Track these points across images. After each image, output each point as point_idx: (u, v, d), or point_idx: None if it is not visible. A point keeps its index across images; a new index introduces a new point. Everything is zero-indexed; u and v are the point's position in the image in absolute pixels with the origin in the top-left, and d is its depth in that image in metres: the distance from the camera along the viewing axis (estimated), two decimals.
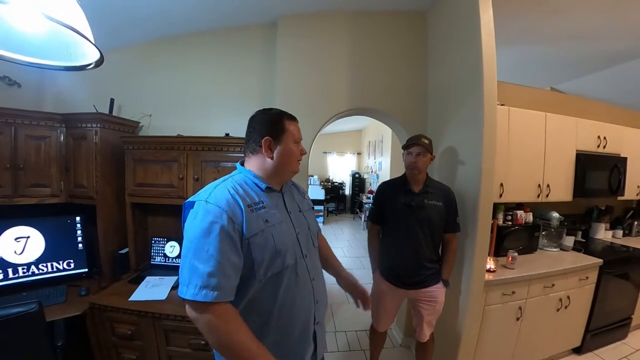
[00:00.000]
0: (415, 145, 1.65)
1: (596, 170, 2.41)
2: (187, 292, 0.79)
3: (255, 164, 1.01)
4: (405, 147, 1.72)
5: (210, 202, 0.86)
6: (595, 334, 2.31)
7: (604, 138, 2.43)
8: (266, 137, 0.97)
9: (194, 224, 0.84)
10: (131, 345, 1.69)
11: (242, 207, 0.88)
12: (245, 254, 0.87)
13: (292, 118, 1.04)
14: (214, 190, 0.90)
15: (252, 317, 0.91)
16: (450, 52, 1.99)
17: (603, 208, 2.87)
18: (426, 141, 1.66)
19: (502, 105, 2.03)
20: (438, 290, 1.71)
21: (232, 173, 1.03)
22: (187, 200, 0.91)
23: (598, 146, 2.42)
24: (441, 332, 1.91)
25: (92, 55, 0.90)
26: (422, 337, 1.80)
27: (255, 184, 0.98)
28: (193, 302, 0.79)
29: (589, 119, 2.42)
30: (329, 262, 1.30)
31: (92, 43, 0.81)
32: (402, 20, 2.28)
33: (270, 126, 0.99)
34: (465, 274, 1.80)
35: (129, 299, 1.71)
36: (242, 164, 1.05)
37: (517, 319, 1.95)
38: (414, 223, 1.65)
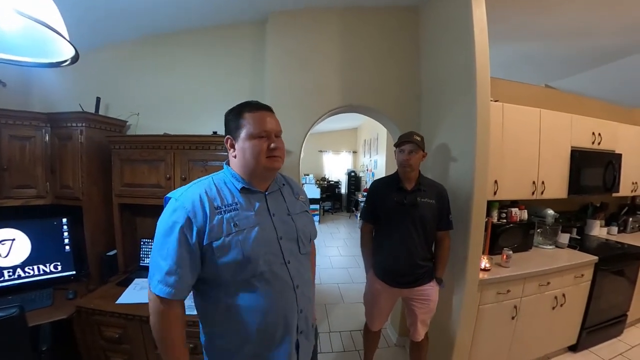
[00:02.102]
0: (407, 143, 1.62)
1: (591, 167, 2.40)
2: (151, 284, 0.85)
3: (231, 163, 0.99)
4: (397, 145, 1.69)
5: (178, 201, 0.87)
6: (591, 331, 2.29)
7: (599, 134, 2.41)
8: (227, 136, 0.96)
9: (161, 220, 0.87)
10: (119, 349, 1.66)
11: (207, 211, 0.86)
12: (209, 258, 0.86)
13: (257, 108, 0.95)
14: (187, 190, 0.90)
15: (230, 324, 0.89)
16: (443, 48, 1.96)
17: (598, 205, 2.86)
18: (418, 138, 1.63)
19: (496, 101, 2.01)
20: (432, 289, 1.69)
21: (218, 172, 1.01)
22: (167, 195, 0.92)
23: (593, 142, 2.41)
24: (436, 332, 1.89)
25: (68, 51, 0.87)
26: (416, 336, 1.77)
27: (232, 183, 0.95)
28: (153, 294, 0.85)
29: (584, 115, 2.40)
30: None
31: (65, 39, 0.78)
32: (394, 16, 2.24)
33: (231, 121, 0.95)
34: (459, 273, 1.78)
35: (117, 302, 1.68)
36: (229, 163, 1.01)
37: (513, 317, 1.94)
38: (407, 221, 1.62)
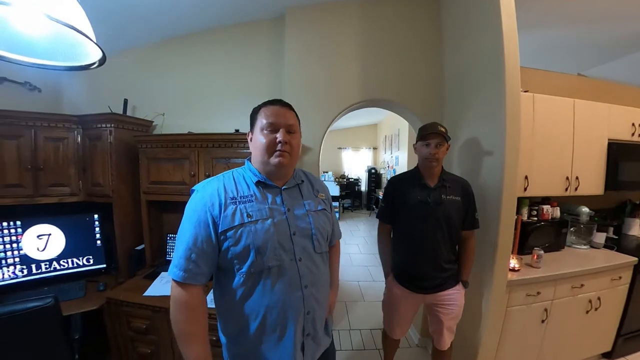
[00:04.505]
0: (433, 134, 1.50)
1: (630, 161, 2.22)
2: (169, 269, 0.89)
3: (251, 157, 1.03)
4: (421, 138, 1.55)
5: (199, 192, 0.93)
6: (628, 338, 2.14)
7: (639, 125, 2.23)
8: (249, 131, 1.02)
9: (185, 209, 0.93)
10: (146, 340, 1.73)
11: (222, 201, 0.90)
12: (223, 247, 0.89)
13: (272, 103, 0.98)
14: (208, 182, 0.96)
15: (236, 315, 0.91)
16: (468, 37, 1.88)
17: (637, 202, 2.65)
18: (442, 129, 1.51)
19: (525, 91, 1.91)
20: (458, 293, 1.59)
21: (239, 167, 1.05)
22: (192, 187, 0.99)
23: (632, 134, 2.22)
24: (459, 334, 1.79)
25: (95, 54, 0.90)
26: (442, 344, 1.66)
27: (250, 177, 0.99)
28: (172, 281, 0.89)
29: (622, 105, 2.22)
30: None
31: (93, 42, 0.81)
32: (415, 6, 2.18)
33: (251, 117, 1.00)
34: (486, 274, 1.70)
35: (144, 294, 1.75)
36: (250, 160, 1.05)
37: (543, 321, 1.84)
38: (431, 221, 1.51)
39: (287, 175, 1.02)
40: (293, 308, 0.91)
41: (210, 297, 1.26)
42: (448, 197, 1.53)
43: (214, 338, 1.59)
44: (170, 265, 0.89)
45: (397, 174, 1.84)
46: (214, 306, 1.01)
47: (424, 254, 1.55)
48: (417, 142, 1.61)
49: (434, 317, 1.66)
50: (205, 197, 0.90)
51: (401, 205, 1.61)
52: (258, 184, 0.96)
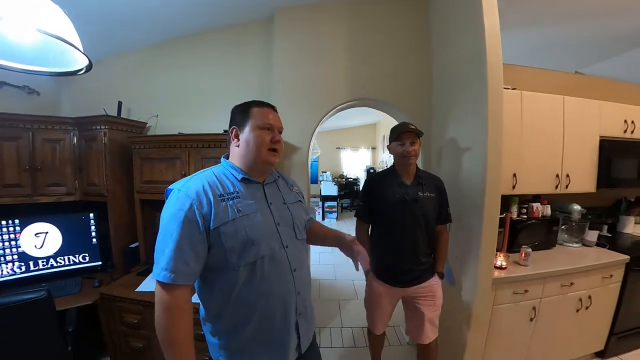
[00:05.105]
0: (407, 133, 1.56)
1: (623, 158, 2.20)
2: (154, 271, 0.86)
3: (232, 155, 1.04)
4: (395, 139, 1.60)
5: (182, 190, 0.91)
6: (621, 337, 2.12)
7: (632, 122, 2.20)
8: (233, 126, 1.02)
9: (166, 209, 0.91)
10: (138, 334, 1.77)
11: (212, 198, 0.91)
12: (216, 243, 0.90)
13: (263, 104, 1.03)
14: (189, 180, 0.95)
15: (231, 310, 0.93)
16: (454, 36, 1.89)
17: (632, 200, 2.62)
18: (413, 127, 1.58)
19: (513, 89, 1.91)
20: (435, 284, 1.64)
21: (216, 165, 1.07)
22: (168, 187, 0.96)
23: (625, 131, 2.20)
24: (444, 334, 1.79)
25: (83, 60, 0.95)
26: (425, 338, 1.67)
27: (232, 174, 1.00)
28: (158, 281, 0.86)
29: (619, 102, 2.21)
30: (328, 235, 1.29)
31: (80, 51, 0.85)
32: (403, 6, 2.20)
33: (238, 114, 1.02)
34: (471, 271, 1.71)
35: (136, 290, 1.79)
36: (227, 157, 1.07)
37: (531, 319, 1.84)
38: (409, 218, 1.57)
39: (269, 172, 1.09)
40: (287, 290, 0.98)
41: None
42: (424, 194, 1.58)
43: (202, 333, 1.64)
44: (156, 268, 0.85)
45: (374, 173, 1.86)
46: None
47: (403, 249, 1.60)
48: (390, 143, 1.66)
49: (414, 311, 1.69)
50: (191, 195, 0.89)
51: (379, 203, 1.66)
52: (243, 180, 1.00)
